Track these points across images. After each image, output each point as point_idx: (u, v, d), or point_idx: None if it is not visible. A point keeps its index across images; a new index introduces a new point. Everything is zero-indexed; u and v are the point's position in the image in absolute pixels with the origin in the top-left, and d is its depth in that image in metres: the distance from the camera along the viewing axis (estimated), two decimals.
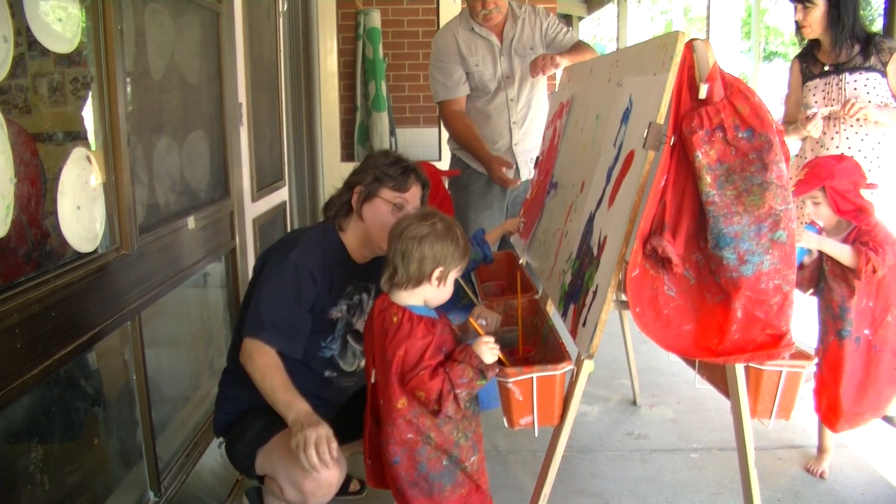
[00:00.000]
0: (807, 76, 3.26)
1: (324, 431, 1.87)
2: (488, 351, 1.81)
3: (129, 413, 2.17)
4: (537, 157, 3.30)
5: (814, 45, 3.23)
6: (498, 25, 3.56)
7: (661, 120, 1.77)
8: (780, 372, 1.96)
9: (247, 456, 2.12)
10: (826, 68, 3.17)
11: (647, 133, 1.79)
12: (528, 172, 3.61)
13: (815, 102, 3.19)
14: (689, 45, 1.76)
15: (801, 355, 1.98)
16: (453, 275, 1.92)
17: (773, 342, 1.77)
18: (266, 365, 2.03)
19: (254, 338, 2.04)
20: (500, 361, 1.87)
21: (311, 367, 2.21)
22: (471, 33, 3.57)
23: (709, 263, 1.79)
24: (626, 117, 2.03)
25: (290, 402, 1.99)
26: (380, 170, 2.17)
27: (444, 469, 1.87)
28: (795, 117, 3.32)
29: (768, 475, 2.66)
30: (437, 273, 1.87)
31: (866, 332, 2.47)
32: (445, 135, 5.43)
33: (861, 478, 2.66)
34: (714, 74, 1.73)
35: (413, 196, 2.21)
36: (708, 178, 1.74)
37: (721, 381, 2.11)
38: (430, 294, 1.90)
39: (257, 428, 2.11)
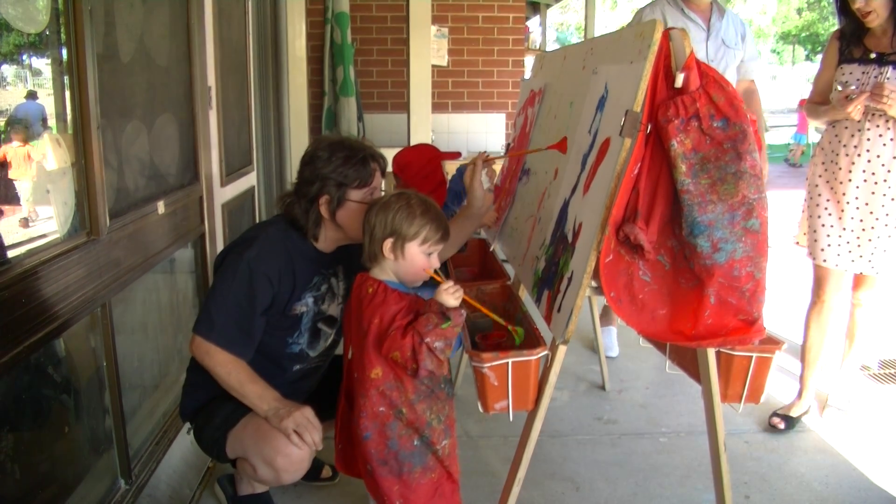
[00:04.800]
0: (844, 57, 2.86)
1: (309, 413, 1.99)
2: (449, 296, 1.79)
3: (98, 400, 2.14)
4: (508, 144, 3.30)
5: (861, 25, 2.81)
6: (705, 12, 3.56)
7: (637, 108, 1.78)
8: (751, 357, 2.00)
9: (216, 440, 2.12)
10: (872, 56, 2.77)
11: (625, 121, 1.80)
12: None
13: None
14: (666, 35, 1.77)
15: (770, 341, 2.02)
16: (414, 247, 1.88)
17: (745, 328, 1.79)
18: (228, 360, 2.03)
19: (203, 338, 2.03)
20: (467, 304, 1.85)
21: (279, 365, 2.21)
22: (680, 13, 3.58)
23: (683, 250, 1.81)
24: (601, 105, 2.04)
25: (262, 393, 2.03)
26: (339, 173, 2.07)
27: (416, 449, 1.88)
28: (825, 97, 2.94)
29: (735, 459, 2.71)
30: (388, 245, 1.86)
31: None
32: (415, 120, 5.48)
33: (825, 460, 2.72)
34: (690, 64, 1.74)
35: (378, 180, 2.17)
36: (683, 167, 1.76)
37: (692, 366, 2.14)
38: (395, 268, 1.89)
39: (226, 412, 2.11)
